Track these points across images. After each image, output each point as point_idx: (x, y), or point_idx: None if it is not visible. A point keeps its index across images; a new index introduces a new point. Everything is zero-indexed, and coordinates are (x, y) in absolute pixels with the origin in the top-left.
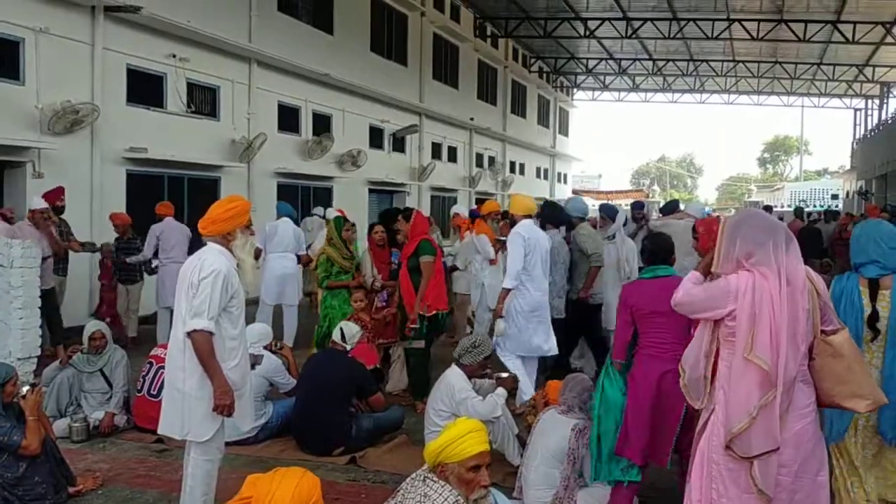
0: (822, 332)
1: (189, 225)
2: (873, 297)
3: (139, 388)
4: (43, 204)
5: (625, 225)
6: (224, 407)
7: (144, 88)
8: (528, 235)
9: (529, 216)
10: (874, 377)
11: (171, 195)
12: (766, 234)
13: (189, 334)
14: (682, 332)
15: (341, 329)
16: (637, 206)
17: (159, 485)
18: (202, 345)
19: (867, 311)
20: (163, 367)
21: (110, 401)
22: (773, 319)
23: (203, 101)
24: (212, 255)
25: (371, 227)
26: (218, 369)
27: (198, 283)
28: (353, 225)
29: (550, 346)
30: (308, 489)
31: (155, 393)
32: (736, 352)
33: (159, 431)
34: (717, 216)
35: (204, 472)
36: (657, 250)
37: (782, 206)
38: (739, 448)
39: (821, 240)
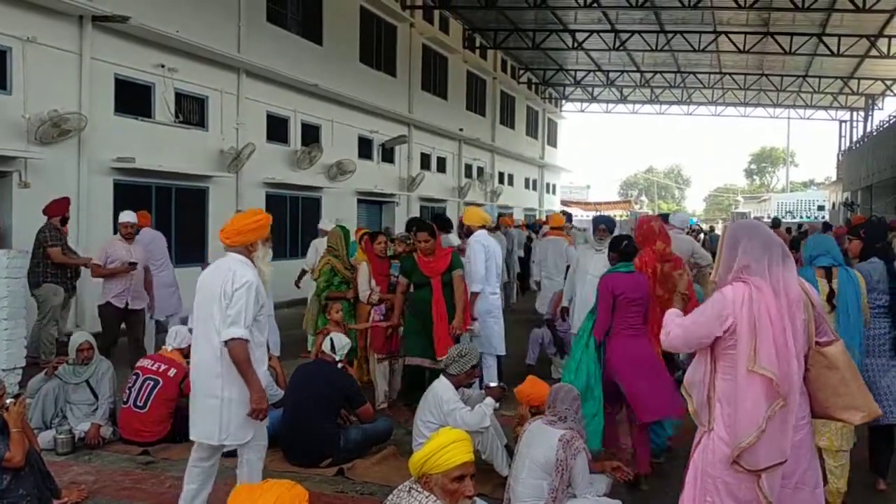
0: (817, 343)
1: (177, 234)
2: (829, 281)
3: (125, 399)
4: (130, 218)
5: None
6: (260, 411)
7: (132, 98)
8: (486, 244)
9: (484, 226)
10: None
11: (158, 205)
12: (763, 247)
13: (227, 342)
14: (646, 316)
15: (331, 340)
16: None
17: (145, 497)
18: (240, 353)
19: (825, 291)
20: (149, 379)
21: (96, 412)
22: (773, 330)
23: (191, 111)
24: (240, 266)
25: (374, 235)
26: (255, 375)
27: (231, 293)
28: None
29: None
30: (289, 502)
31: (141, 405)
32: (738, 365)
33: (192, 437)
34: (649, 214)
35: (259, 469)
36: (631, 250)
37: (768, 217)
38: (747, 462)
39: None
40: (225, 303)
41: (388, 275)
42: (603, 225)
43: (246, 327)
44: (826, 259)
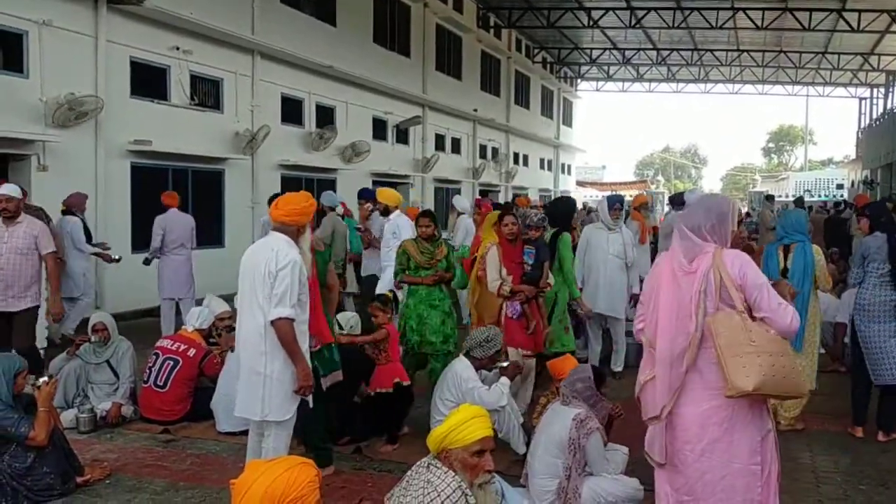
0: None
1: (194, 216)
2: (786, 257)
3: (145, 378)
4: (6, 191)
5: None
6: (307, 388)
7: (148, 81)
8: (400, 223)
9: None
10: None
11: (175, 188)
12: (677, 219)
13: (273, 322)
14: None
15: (337, 320)
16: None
17: (166, 474)
18: (287, 332)
19: (781, 265)
20: (169, 359)
21: (117, 392)
22: (661, 300)
23: (207, 93)
24: (284, 246)
25: (501, 216)
26: (301, 353)
27: (276, 272)
28: (432, 219)
29: None
30: (286, 483)
31: (161, 384)
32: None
33: (236, 413)
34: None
35: (285, 445)
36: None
37: (786, 196)
38: (643, 410)
39: (846, 229)
40: (269, 282)
41: (520, 262)
42: (618, 204)
43: (292, 306)
44: (787, 238)
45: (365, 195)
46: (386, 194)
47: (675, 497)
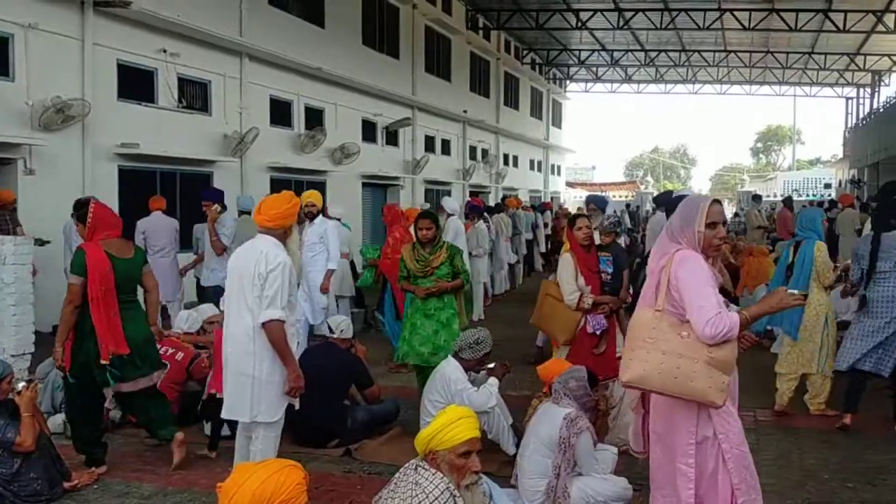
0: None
1: (182, 220)
2: (794, 253)
3: None
4: None
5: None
6: (298, 389)
7: (135, 83)
8: (333, 228)
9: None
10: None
11: (163, 190)
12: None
13: (264, 324)
14: None
15: (328, 324)
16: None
17: (154, 479)
18: (277, 333)
19: (789, 261)
20: None
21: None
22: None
23: (194, 95)
24: (273, 248)
25: (573, 219)
26: (291, 355)
27: (266, 274)
28: (433, 221)
29: None
30: (274, 486)
31: None
32: None
33: (224, 415)
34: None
35: (273, 447)
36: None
37: (775, 196)
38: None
39: (833, 228)
40: (259, 283)
41: (597, 271)
42: (593, 203)
43: (282, 308)
44: (800, 235)
45: (210, 196)
46: (317, 196)
47: (649, 482)
